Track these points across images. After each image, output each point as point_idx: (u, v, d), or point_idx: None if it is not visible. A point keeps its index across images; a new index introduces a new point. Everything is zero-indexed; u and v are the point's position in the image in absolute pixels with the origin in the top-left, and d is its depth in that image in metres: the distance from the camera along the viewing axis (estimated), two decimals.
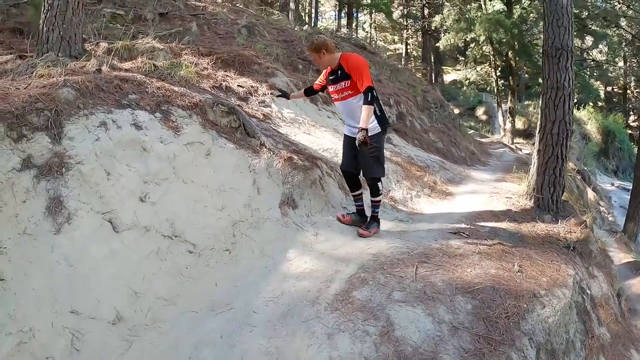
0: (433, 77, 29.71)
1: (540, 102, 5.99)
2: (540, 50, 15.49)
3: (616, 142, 22.10)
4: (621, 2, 15.51)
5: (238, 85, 6.15)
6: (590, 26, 17.08)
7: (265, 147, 4.77)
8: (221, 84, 5.92)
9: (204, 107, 4.66)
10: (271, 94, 6.26)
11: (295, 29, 11.37)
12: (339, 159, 5.68)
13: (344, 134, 4.51)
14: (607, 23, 16.90)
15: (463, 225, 4.88)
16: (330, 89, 4.30)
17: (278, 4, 18.87)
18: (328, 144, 5.93)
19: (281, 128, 5.65)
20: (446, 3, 22.55)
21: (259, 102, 6.02)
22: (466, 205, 6.12)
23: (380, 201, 4.47)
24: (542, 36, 8.49)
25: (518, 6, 16.05)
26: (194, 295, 3.33)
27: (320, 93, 4.91)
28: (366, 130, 3.84)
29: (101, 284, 3.05)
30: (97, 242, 3.24)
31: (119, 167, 3.63)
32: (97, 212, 3.37)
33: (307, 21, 21.94)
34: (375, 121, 4.16)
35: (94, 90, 4.11)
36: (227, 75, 6.40)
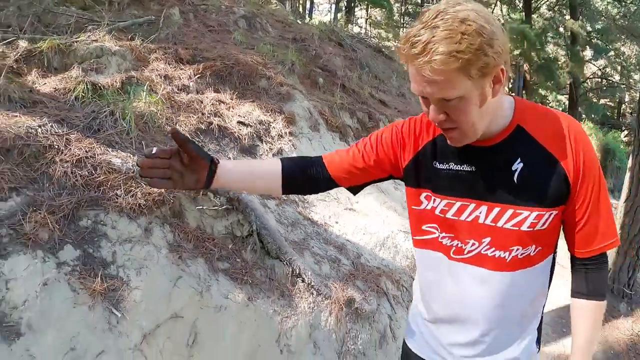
0: None
1: (630, 162, 4.57)
2: (564, 66, 13.28)
3: (615, 161, 20.19)
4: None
5: (239, 122, 3.54)
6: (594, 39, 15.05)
7: (303, 281, 2.26)
8: (210, 122, 3.30)
9: (176, 203, 2.08)
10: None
11: (301, 22, 8.66)
12: (403, 256, 3.24)
13: (412, 352, 1.23)
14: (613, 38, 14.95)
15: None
16: (440, 206, 1.05)
17: None
18: (377, 222, 3.44)
19: (314, 208, 3.11)
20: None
21: (273, 155, 3.43)
22: None
23: None
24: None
25: (538, 17, 13.76)
26: None
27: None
28: None
29: None
30: None
31: None
32: None
33: (300, 12, 19.01)
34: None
35: None
36: (221, 101, 3.77)
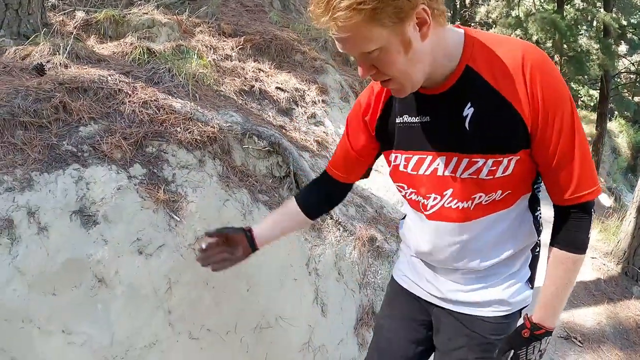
0: None
1: None
2: (595, 60, 12.93)
3: None
4: None
5: (277, 88, 3.80)
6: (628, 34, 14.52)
7: (331, 218, 2.49)
8: (252, 85, 3.56)
9: (225, 142, 2.35)
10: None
11: None
12: None
13: (398, 285, 1.26)
14: None
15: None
16: (402, 162, 1.02)
17: None
18: None
19: None
20: None
21: (307, 117, 3.68)
22: None
23: None
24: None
25: (570, 7, 13.42)
26: None
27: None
28: (546, 335, 0.95)
29: None
30: None
31: None
32: None
33: None
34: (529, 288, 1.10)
35: None
36: (260, 70, 4.03)
